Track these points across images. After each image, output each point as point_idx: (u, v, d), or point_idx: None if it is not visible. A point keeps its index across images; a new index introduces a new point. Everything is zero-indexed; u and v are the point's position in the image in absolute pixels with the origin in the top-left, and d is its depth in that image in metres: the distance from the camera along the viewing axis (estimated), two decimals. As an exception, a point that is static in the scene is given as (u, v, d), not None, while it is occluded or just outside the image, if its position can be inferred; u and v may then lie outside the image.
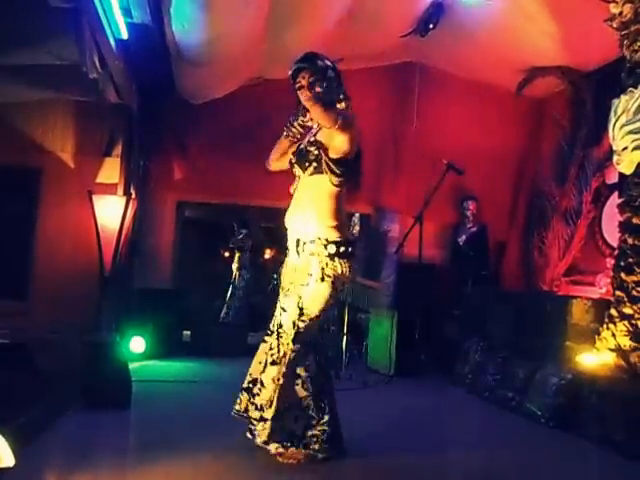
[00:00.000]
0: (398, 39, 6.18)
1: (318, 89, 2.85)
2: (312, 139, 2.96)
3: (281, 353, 2.84)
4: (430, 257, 6.39)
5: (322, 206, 2.88)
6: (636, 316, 3.74)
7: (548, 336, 4.42)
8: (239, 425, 3.49)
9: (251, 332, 7.41)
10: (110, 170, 5.57)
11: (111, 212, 5.24)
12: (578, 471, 3.06)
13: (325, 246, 2.85)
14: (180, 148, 6.29)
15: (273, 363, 2.86)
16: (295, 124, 2.95)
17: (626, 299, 3.85)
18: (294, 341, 2.83)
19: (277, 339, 2.89)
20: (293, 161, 2.99)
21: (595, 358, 3.90)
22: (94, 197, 5.23)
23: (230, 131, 6.52)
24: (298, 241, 2.94)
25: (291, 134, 2.98)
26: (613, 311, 3.94)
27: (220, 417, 3.70)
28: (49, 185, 5.56)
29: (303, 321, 2.84)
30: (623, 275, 3.95)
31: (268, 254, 8.81)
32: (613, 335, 3.86)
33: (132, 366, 4.56)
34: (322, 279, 2.84)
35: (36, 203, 5.53)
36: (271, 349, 2.90)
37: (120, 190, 5.44)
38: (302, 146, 3.00)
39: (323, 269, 2.84)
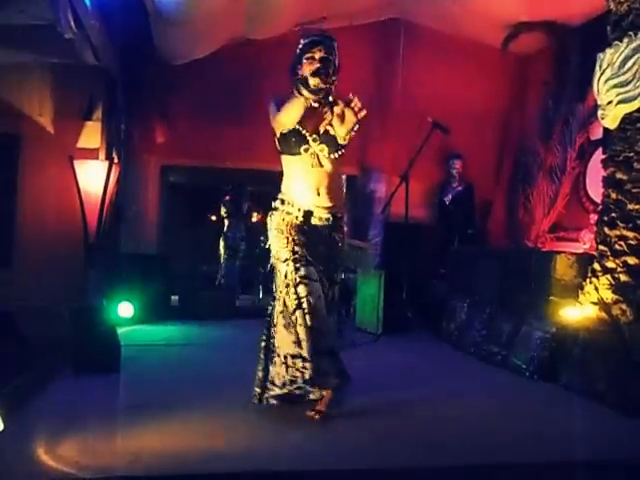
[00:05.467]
0: (381, -5, 6.07)
1: (329, 69, 2.95)
2: (327, 122, 3.01)
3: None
4: (416, 216, 6.39)
5: (335, 183, 3.09)
6: (618, 269, 3.78)
7: (533, 291, 4.47)
8: (229, 385, 3.54)
9: (241, 295, 7.49)
10: (91, 134, 5.48)
11: (93, 177, 5.18)
12: (560, 418, 3.14)
13: (340, 218, 3.09)
14: (162, 111, 6.19)
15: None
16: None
17: (609, 253, 3.88)
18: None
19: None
20: (317, 141, 3.00)
21: (578, 312, 3.96)
22: (75, 162, 5.17)
23: (213, 93, 6.42)
24: (310, 213, 3.02)
25: (312, 98, 2.95)
26: (596, 265, 3.98)
27: (210, 378, 3.76)
28: (28, 151, 5.45)
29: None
30: (606, 230, 3.97)
31: (255, 218, 8.78)
32: (596, 289, 3.91)
33: (121, 331, 4.58)
34: (338, 246, 3.11)
35: (16, 170, 5.42)
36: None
37: (102, 155, 5.37)
38: (327, 131, 3.02)
39: (336, 238, 3.09)
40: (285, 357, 2.93)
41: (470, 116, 6.65)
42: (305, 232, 3.03)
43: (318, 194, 3.02)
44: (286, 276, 2.95)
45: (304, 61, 2.97)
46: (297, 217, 3.03)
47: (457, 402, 3.37)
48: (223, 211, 8.09)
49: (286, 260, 2.97)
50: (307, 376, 2.85)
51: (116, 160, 5.42)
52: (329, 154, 3.01)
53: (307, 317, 2.86)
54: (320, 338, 2.86)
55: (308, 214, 3.03)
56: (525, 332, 4.18)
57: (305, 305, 2.87)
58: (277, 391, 3.00)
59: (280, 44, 6.38)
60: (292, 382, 2.93)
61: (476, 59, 6.86)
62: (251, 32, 6.17)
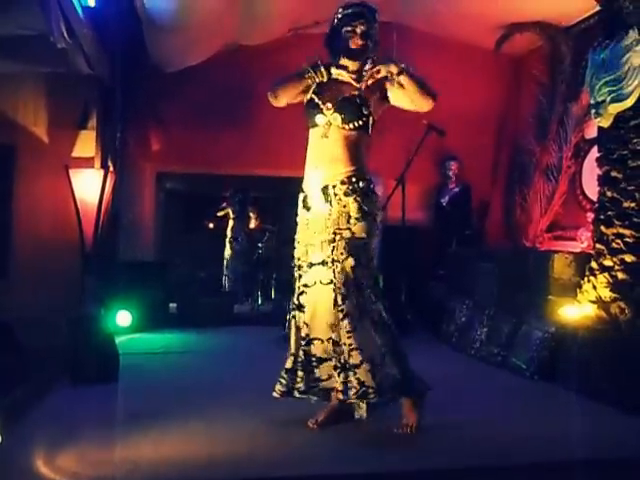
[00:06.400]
0: (374, -2, 6.07)
1: (370, 43, 2.84)
2: (358, 93, 2.86)
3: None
4: (414, 219, 6.39)
5: (353, 155, 2.84)
6: (616, 268, 3.79)
7: (531, 291, 4.47)
8: (228, 392, 3.53)
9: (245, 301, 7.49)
10: (86, 143, 5.47)
11: (89, 186, 5.17)
12: (561, 418, 3.12)
13: (359, 182, 2.80)
14: (157, 118, 6.19)
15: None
16: (322, 69, 2.85)
17: (606, 251, 3.89)
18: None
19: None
20: (331, 110, 2.82)
21: (577, 311, 3.96)
22: (71, 171, 5.15)
23: (208, 99, 6.42)
24: (326, 188, 2.81)
25: (316, 77, 2.85)
26: (594, 264, 3.99)
27: (208, 385, 3.75)
28: (24, 161, 5.43)
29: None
30: (603, 228, 3.98)
31: (253, 224, 8.76)
32: (594, 287, 3.91)
33: (119, 340, 4.56)
34: (363, 217, 2.78)
35: (11, 180, 5.41)
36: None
37: (97, 163, 5.36)
38: (349, 96, 2.86)
39: (362, 207, 2.77)
40: (292, 356, 2.91)
41: (465, 118, 6.64)
42: (308, 221, 2.86)
43: (317, 168, 2.84)
44: (294, 281, 2.92)
45: (343, 33, 2.84)
46: (301, 206, 2.90)
47: (457, 403, 3.36)
48: (230, 213, 8.09)
49: (294, 264, 2.93)
50: (302, 386, 2.84)
51: (112, 168, 5.40)
52: (343, 123, 2.82)
53: (303, 326, 2.83)
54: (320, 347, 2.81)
55: (306, 198, 2.89)
56: (524, 332, 4.17)
57: (304, 314, 2.83)
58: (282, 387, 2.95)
59: (274, 49, 6.42)
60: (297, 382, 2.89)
61: (470, 61, 6.86)
62: (244, 38, 6.18)
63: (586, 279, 4.05)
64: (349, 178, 2.80)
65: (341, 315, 2.72)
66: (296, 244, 2.94)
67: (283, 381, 2.92)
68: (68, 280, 5.16)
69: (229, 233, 8.13)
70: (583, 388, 3.47)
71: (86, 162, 5.37)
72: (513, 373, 4.07)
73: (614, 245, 3.85)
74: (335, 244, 2.76)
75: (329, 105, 2.83)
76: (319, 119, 2.84)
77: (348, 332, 2.70)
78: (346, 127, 2.82)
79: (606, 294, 3.82)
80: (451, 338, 5.11)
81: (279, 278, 7.42)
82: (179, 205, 8.73)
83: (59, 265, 5.22)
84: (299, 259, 2.90)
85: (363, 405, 2.89)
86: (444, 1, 6.00)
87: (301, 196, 2.94)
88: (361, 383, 2.67)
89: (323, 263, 2.79)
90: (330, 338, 2.77)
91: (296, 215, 2.97)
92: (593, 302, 3.91)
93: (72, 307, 4.75)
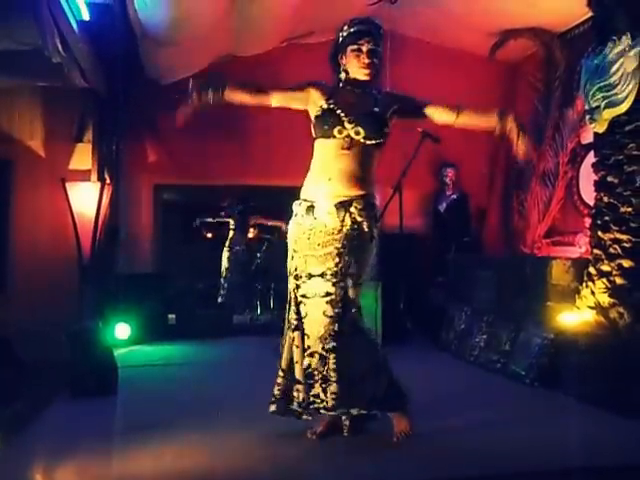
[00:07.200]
0: (367, 7, 6.09)
1: (376, 61, 2.85)
2: (379, 110, 2.88)
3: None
4: (412, 226, 6.38)
5: (367, 171, 2.84)
6: (614, 273, 3.78)
7: (530, 298, 4.46)
8: (227, 404, 3.51)
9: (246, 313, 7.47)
10: (82, 156, 5.48)
11: (86, 199, 5.18)
12: (561, 425, 3.11)
13: (373, 204, 2.83)
14: (152, 130, 6.19)
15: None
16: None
17: (604, 257, 3.88)
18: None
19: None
20: (353, 123, 2.78)
21: (576, 317, 3.95)
22: (68, 185, 5.16)
23: (203, 110, 6.43)
24: (341, 204, 2.77)
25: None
26: (592, 269, 3.98)
27: (207, 397, 3.73)
28: (21, 175, 5.44)
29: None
30: (600, 233, 3.97)
31: (252, 234, 8.75)
32: (592, 293, 3.91)
33: (118, 352, 4.56)
34: (370, 240, 2.81)
35: (9, 194, 5.42)
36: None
37: (94, 176, 5.37)
38: (373, 111, 2.86)
39: (372, 230, 2.80)
40: (283, 371, 2.86)
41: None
42: (310, 232, 2.80)
43: (330, 180, 2.79)
44: (290, 291, 2.86)
45: (349, 52, 2.84)
46: (302, 215, 2.83)
47: (457, 410, 3.34)
48: (231, 223, 8.08)
49: (290, 274, 2.87)
50: (301, 399, 2.78)
51: (108, 181, 5.41)
52: (365, 138, 2.79)
53: (304, 339, 2.77)
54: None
55: (311, 208, 2.81)
56: (524, 339, 4.16)
57: (304, 327, 2.77)
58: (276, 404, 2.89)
59: (269, 59, 6.44)
60: (289, 399, 2.84)
61: (464, 68, 6.88)
62: (238, 49, 6.19)
63: (584, 285, 4.05)
64: (364, 198, 2.80)
65: (333, 328, 2.70)
66: (292, 254, 2.89)
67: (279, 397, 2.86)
68: (66, 293, 5.16)
69: (228, 243, 8.12)
70: (583, 394, 3.45)
71: (83, 175, 5.38)
72: (513, 380, 4.06)
73: (611, 250, 3.85)
74: (340, 260, 2.74)
75: (351, 118, 2.81)
76: (338, 131, 2.80)
77: (334, 347, 2.68)
78: (367, 142, 2.80)
79: (605, 299, 3.82)
80: (451, 345, 5.10)
81: (277, 288, 7.40)
82: (177, 216, 8.71)
83: (57, 278, 5.21)
84: (296, 269, 2.85)
85: (347, 421, 2.87)
86: (438, 9, 6.02)
87: (303, 206, 2.86)
88: (337, 396, 2.66)
89: (322, 275, 2.76)
90: (316, 351, 2.73)
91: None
92: (592, 308, 3.90)
93: (71, 320, 4.74)
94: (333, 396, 2.66)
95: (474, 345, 4.71)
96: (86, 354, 3.80)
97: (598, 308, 3.85)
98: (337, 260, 2.74)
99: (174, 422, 3.14)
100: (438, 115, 3.07)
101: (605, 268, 3.85)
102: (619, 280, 3.76)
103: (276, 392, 2.87)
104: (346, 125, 2.79)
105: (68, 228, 5.21)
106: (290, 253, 2.91)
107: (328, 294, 2.73)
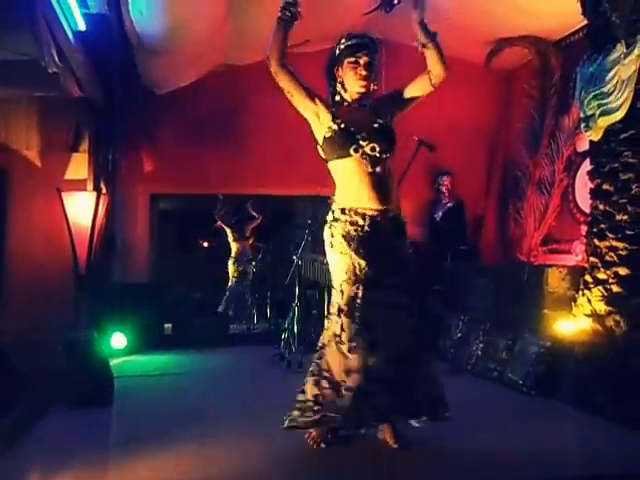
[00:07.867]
0: (362, 16, 6.12)
1: (372, 74, 2.92)
2: (384, 121, 2.92)
3: None
4: (408, 234, 6.37)
5: (391, 184, 2.92)
6: (610, 281, 3.78)
7: (527, 306, 4.46)
8: (222, 414, 3.50)
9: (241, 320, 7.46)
10: (78, 166, 5.45)
11: (82, 209, 5.15)
12: (559, 434, 3.10)
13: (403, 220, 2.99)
14: (148, 139, 6.20)
15: None
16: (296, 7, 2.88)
17: (600, 264, 3.88)
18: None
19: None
20: (367, 139, 2.81)
21: (572, 324, 3.95)
22: (63, 194, 5.13)
23: (198, 119, 6.46)
24: (388, 220, 2.86)
25: (288, 14, 2.89)
26: (588, 277, 3.98)
27: (203, 407, 3.71)
28: (16, 185, 5.41)
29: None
30: (596, 241, 3.97)
31: (250, 241, 8.75)
32: (589, 301, 3.90)
33: (114, 362, 4.54)
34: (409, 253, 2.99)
35: (4, 204, 5.40)
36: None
37: (90, 186, 5.35)
38: (382, 124, 2.90)
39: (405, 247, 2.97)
40: (334, 382, 2.73)
41: (457, 133, 6.68)
42: (372, 243, 2.78)
43: (379, 195, 2.81)
44: (345, 299, 2.76)
45: (346, 64, 2.88)
46: (363, 227, 2.79)
47: (454, 420, 3.32)
48: (230, 234, 8.08)
49: (346, 281, 2.76)
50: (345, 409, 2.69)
51: (104, 190, 5.39)
52: (381, 153, 2.81)
53: (362, 346, 2.68)
54: (382, 369, 2.70)
55: (375, 221, 2.81)
56: (520, 347, 4.16)
57: (363, 333, 2.69)
58: (312, 417, 2.77)
59: (264, 68, 6.43)
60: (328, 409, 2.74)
61: (460, 76, 6.87)
62: (234, 59, 6.21)
63: (581, 292, 4.04)
64: (394, 216, 2.91)
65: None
66: (342, 257, 2.80)
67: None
68: (63, 303, 5.13)
69: (233, 252, 8.12)
70: (580, 402, 3.45)
71: (79, 184, 5.36)
72: (510, 388, 4.05)
73: (608, 258, 3.84)
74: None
75: (364, 135, 2.82)
76: (354, 150, 2.79)
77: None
78: (384, 156, 2.83)
79: (601, 307, 3.81)
80: (447, 354, 5.09)
81: (274, 297, 7.39)
82: (173, 225, 8.71)
83: (53, 288, 5.19)
84: (359, 271, 2.77)
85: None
86: (433, 17, 6.02)
87: (342, 220, 2.83)
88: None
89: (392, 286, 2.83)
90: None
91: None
92: (588, 315, 3.90)
93: (67, 330, 4.72)
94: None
95: (471, 353, 4.70)
96: (82, 364, 3.78)
97: (594, 316, 3.85)
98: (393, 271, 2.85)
99: (170, 432, 3.13)
100: (417, 86, 3.13)
101: (601, 276, 3.85)
102: (615, 288, 3.76)
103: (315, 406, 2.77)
104: (361, 143, 2.81)
105: (64, 238, 5.18)
106: (342, 256, 2.82)
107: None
